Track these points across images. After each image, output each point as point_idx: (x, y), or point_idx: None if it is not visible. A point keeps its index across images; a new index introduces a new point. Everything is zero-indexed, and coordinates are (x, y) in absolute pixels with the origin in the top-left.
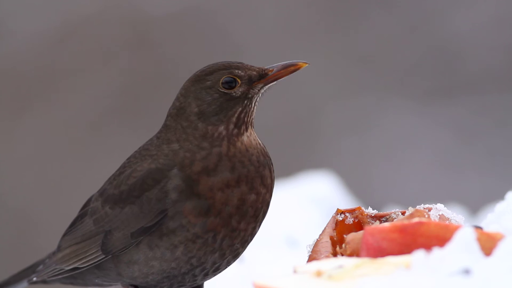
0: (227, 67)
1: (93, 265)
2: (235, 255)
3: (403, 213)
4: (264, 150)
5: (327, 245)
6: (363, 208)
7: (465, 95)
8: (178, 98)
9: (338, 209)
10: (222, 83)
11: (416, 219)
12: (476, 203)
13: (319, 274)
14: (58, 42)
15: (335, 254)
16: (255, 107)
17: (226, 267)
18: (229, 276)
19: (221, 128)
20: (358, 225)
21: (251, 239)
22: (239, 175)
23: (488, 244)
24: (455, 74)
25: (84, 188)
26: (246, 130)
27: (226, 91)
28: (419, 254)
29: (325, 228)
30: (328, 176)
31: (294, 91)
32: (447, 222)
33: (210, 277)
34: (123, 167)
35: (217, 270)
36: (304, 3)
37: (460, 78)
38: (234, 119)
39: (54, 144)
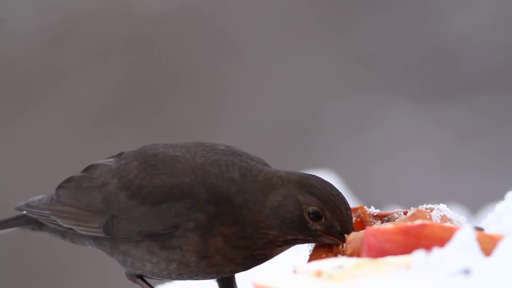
0: (324, 202)
1: (88, 236)
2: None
3: (405, 213)
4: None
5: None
6: (365, 207)
7: (465, 95)
8: (278, 179)
9: None
10: (309, 212)
11: (419, 221)
12: (476, 203)
13: (319, 274)
14: (57, 42)
15: (335, 254)
16: (308, 248)
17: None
18: None
19: (274, 233)
20: (360, 224)
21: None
22: (246, 263)
23: (489, 245)
24: (455, 74)
25: None
26: (288, 246)
27: (307, 219)
28: (419, 254)
29: None
30: (328, 176)
31: (294, 91)
32: (449, 222)
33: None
34: (162, 160)
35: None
36: (304, 2)
37: (460, 78)
38: (289, 238)
39: (54, 144)
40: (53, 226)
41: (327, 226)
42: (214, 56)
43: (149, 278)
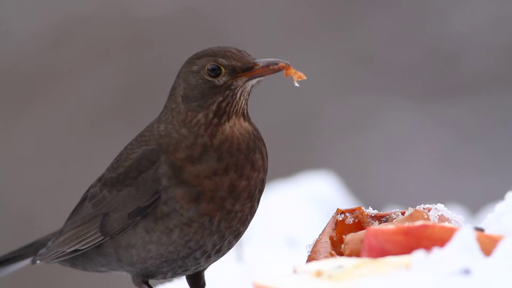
0: (214, 54)
1: (94, 247)
2: (236, 235)
3: (403, 213)
4: (254, 134)
5: (326, 245)
6: (363, 208)
7: (465, 95)
8: (175, 79)
9: (338, 209)
10: (208, 69)
11: (420, 222)
12: (476, 203)
13: (319, 274)
14: (57, 42)
15: (334, 255)
16: (241, 98)
17: (229, 248)
18: (229, 276)
19: (200, 115)
20: (358, 225)
21: (251, 218)
22: (227, 164)
23: (489, 245)
24: (455, 74)
25: (84, 188)
26: (228, 120)
27: (210, 79)
28: (419, 254)
29: (325, 228)
30: (328, 176)
31: (294, 91)
32: (447, 222)
33: (214, 259)
34: (121, 154)
35: (219, 251)
36: (304, 3)
37: (460, 78)
38: (213, 108)
39: (54, 144)
40: (62, 259)
41: (230, 72)
42: None
43: (156, 279)
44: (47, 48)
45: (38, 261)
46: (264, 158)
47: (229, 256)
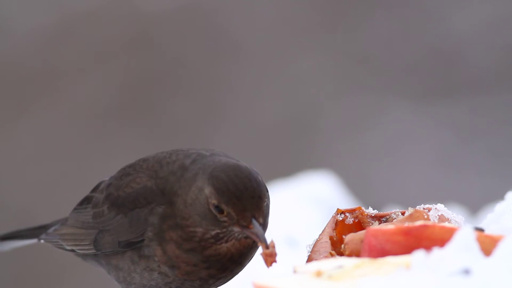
0: (221, 193)
1: (89, 254)
2: (222, 283)
3: (403, 213)
4: (253, 245)
5: (326, 245)
6: (363, 208)
7: (465, 95)
8: (201, 170)
9: (338, 209)
10: (213, 204)
11: (420, 222)
12: (476, 203)
13: (319, 274)
14: (58, 41)
15: (334, 255)
16: (241, 235)
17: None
18: None
19: (199, 230)
20: (358, 225)
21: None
22: (210, 266)
23: (489, 245)
24: (455, 74)
25: (84, 188)
26: (227, 242)
27: (213, 211)
28: (419, 254)
29: (324, 228)
30: (328, 176)
31: (294, 91)
32: (447, 222)
33: None
34: (135, 165)
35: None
36: (304, 2)
37: (460, 78)
38: (212, 233)
39: (54, 143)
40: (61, 250)
41: (230, 218)
42: (214, 56)
43: None
44: (48, 47)
45: (42, 241)
46: (254, 254)
47: None
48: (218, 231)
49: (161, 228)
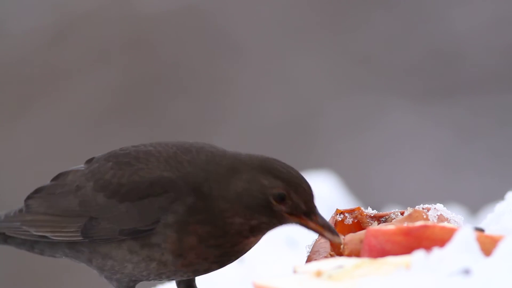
0: (290, 183)
1: (64, 242)
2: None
3: (402, 213)
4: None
5: (326, 245)
6: (362, 208)
7: (465, 95)
8: (242, 164)
9: (337, 209)
10: (275, 194)
11: (421, 222)
12: (476, 203)
13: (319, 274)
14: (57, 41)
15: (333, 255)
16: (278, 228)
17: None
18: (229, 276)
19: (238, 219)
20: (358, 226)
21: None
22: (219, 261)
23: (489, 245)
24: (455, 74)
25: None
26: (255, 236)
27: (271, 200)
28: (419, 254)
29: None
30: (328, 176)
31: (294, 91)
32: (446, 222)
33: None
34: (135, 157)
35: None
36: (304, 2)
37: (460, 78)
38: (253, 223)
39: (54, 143)
40: (23, 237)
41: (292, 206)
42: (214, 56)
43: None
44: (47, 47)
45: None
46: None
47: None
48: (264, 220)
49: (185, 219)
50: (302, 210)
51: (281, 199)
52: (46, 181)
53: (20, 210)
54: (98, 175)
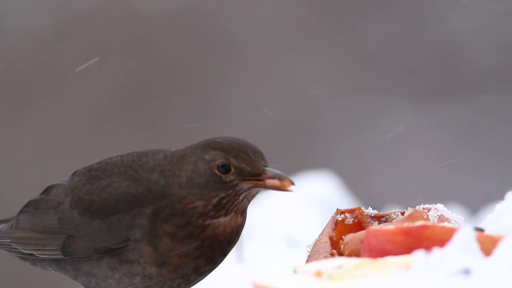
0: (227, 150)
1: (51, 259)
2: (196, 284)
3: (402, 213)
4: (242, 225)
5: (326, 245)
6: (363, 208)
7: (465, 95)
8: (189, 149)
9: (337, 209)
10: (218, 165)
11: (421, 222)
12: (476, 203)
13: (319, 274)
14: (57, 41)
15: (333, 255)
16: (244, 200)
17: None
18: (229, 276)
19: (199, 203)
20: (358, 225)
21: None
22: (202, 254)
23: (489, 245)
24: (455, 74)
25: None
26: (226, 215)
27: (218, 173)
28: (419, 254)
29: (324, 228)
30: (328, 176)
31: (294, 91)
32: (447, 222)
33: None
34: (103, 169)
35: None
36: (304, 2)
37: (460, 78)
38: (214, 201)
39: (54, 144)
40: (14, 254)
41: (238, 172)
42: (214, 56)
43: None
44: (47, 47)
45: None
46: (236, 242)
47: (229, 256)
48: (223, 195)
49: (152, 225)
50: (249, 172)
51: (224, 168)
52: (46, 181)
53: (11, 226)
54: (75, 191)
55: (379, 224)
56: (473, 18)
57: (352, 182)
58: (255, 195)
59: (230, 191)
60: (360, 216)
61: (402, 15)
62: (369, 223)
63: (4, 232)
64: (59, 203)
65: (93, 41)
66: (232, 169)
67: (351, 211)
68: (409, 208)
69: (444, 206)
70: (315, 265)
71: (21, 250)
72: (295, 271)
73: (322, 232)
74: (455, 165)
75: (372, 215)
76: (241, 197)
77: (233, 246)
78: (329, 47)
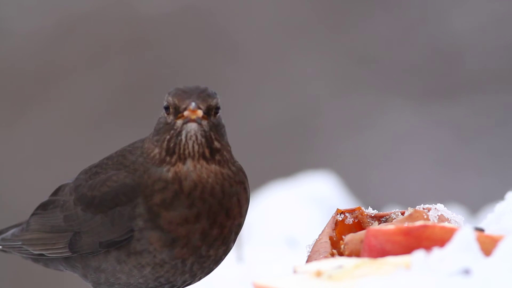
0: (171, 92)
1: (60, 258)
2: (207, 272)
3: (402, 213)
4: (232, 177)
5: (326, 245)
6: (363, 208)
7: (465, 95)
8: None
9: (338, 209)
10: (164, 106)
11: (421, 222)
12: (476, 203)
13: (319, 274)
14: (56, 42)
15: (333, 255)
16: (189, 141)
17: (199, 280)
18: (229, 276)
19: (156, 150)
20: (358, 225)
21: (225, 257)
22: (198, 211)
23: (489, 245)
24: (455, 74)
25: None
26: (182, 161)
27: (165, 116)
28: (419, 254)
29: (324, 228)
30: (328, 176)
31: (294, 91)
32: (447, 222)
33: None
34: (101, 164)
35: (188, 285)
36: (304, 2)
37: (460, 78)
38: (164, 145)
39: (54, 144)
40: (25, 256)
41: (174, 111)
42: (214, 56)
43: None
44: (47, 47)
45: (0, 247)
46: (241, 204)
47: (229, 256)
48: (168, 136)
49: (149, 210)
50: (179, 108)
51: (166, 109)
52: (45, 181)
53: (23, 228)
54: (79, 188)
55: (379, 224)
56: (473, 18)
57: (352, 182)
58: (197, 136)
59: (172, 131)
60: (360, 216)
61: (402, 15)
62: (369, 223)
63: (15, 235)
64: (64, 201)
65: (94, 42)
66: (170, 109)
67: (351, 211)
68: (409, 208)
69: (444, 206)
70: (315, 265)
71: (32, 251)
72: (295, 271)
73: (322, 232)
74: (455, 165)
75: (372, 215)
76: (182, 137)
77: (235, 203)
78: (329, 47)
